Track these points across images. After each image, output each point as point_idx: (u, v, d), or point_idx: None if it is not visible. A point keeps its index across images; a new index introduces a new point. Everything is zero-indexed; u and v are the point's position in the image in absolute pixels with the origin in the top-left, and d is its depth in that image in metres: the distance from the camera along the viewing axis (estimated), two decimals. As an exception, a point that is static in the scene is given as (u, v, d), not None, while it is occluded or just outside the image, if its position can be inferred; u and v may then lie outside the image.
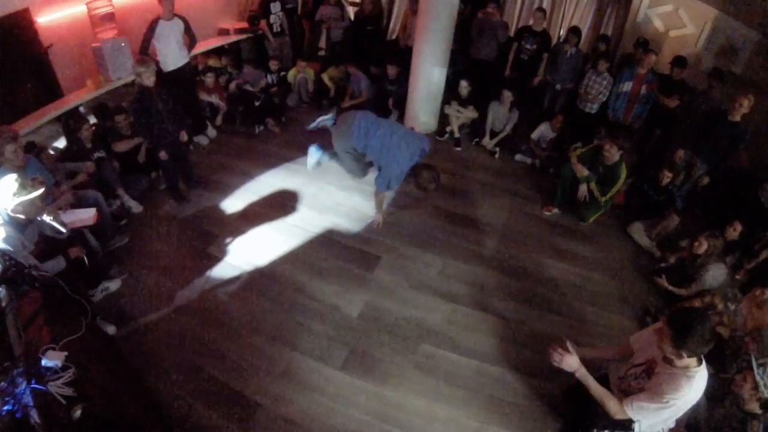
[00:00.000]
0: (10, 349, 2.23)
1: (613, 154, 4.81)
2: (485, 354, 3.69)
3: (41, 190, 2.97)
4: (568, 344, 2.69)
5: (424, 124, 6.76)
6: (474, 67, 7.01)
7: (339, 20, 7.81)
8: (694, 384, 2.33)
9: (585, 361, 2.67)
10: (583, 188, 5.00)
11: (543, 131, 6.21)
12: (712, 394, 3.03)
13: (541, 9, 6.97)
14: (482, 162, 6.33)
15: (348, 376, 3.43)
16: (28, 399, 2.01)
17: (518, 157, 6.37)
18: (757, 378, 3.01)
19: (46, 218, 3.08)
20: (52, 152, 4.70)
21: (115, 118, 5.03)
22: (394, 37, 8.57)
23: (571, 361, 2.63)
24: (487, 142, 6.48)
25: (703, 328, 2.23)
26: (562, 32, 7.84)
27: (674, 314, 2.35)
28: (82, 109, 5.49)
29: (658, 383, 2.42)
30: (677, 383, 2.34)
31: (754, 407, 2.98)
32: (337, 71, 7.33)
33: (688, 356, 2.30)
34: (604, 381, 2.72)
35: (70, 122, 5.01)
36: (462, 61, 7.19)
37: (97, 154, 4.75)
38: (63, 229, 3.15)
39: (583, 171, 4.99)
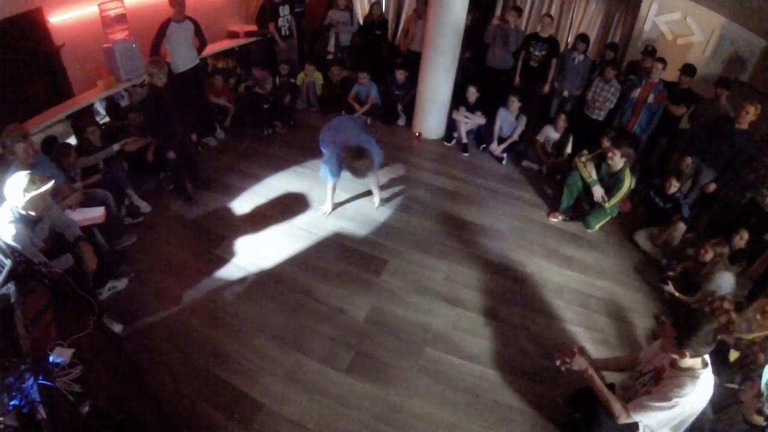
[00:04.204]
0: (18, 345, 2.24)
1: (616, 161, 4.82)
2: (490, 359, 3.68)
3: (50, 184, 2.98)
4: (576, 348, 2.71)
5: (432, 130, 6.78)
6: (488, 75, 7.02)
7: (348, 24, 7.85)
8: (698, 385, 2.33)
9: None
10: (596, 189, 4.99)
11: (547, 133, 6.21)
12: (717, 404, 3.01)
13: (548, 15, 6.98)
14: (489, 168, 6.33)
15: (352, 379, 3.42)
16: (35, 394, 2.02)
17: (525, 163, 6.38)
18: (763, 388, 2.99)
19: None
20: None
21: (129, 115, 5.06)
22: (396, 43, 8.61)
23: (580, 361, 2.65)
24: (495, 147, 6.49)
25: (707, 328, 2.25)
26: (570, 39, 7.86)
27: (679, 314, 2.37)
28: (99, 109, 5.55)
29: (664, 385, 2.42)
30: (682, 382, 2.35)
31: (757, 419, 2.96)
32: (341, 73, 7.36)
33: (691, 356, 2.30)
34: (611, 390, 2.71)
35: (79, 122, 5.05)
36: (472, 67, 7.21)
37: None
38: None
39: (591, 173, 4.98)
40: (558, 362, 2.75)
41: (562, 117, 6.07)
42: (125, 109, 5.24)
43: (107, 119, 5.69)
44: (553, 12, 7.85)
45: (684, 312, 2.42)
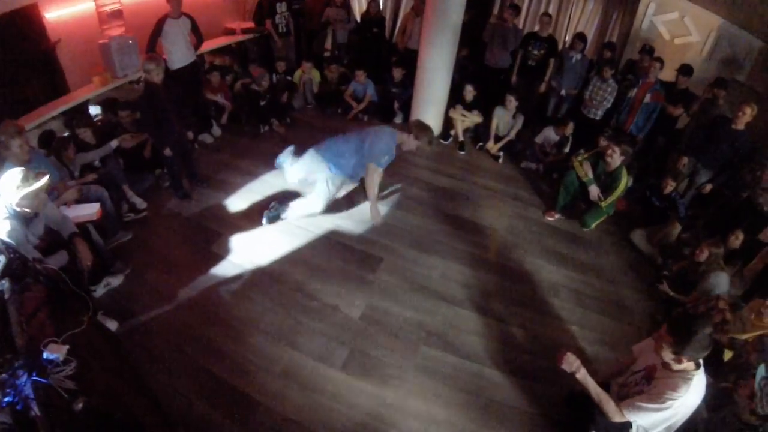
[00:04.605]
0: (12, 342, 2.23)
1: (615, 159, 4.83)
2: (485, 357, 3.68)
3: (44, 180, 2.97)
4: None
5: (428, 128, 6.77)
6: (486, 73, 7.02)
7: (345, 22, 7.84)
8: (691, 386, 2.34)
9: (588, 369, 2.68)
10: (593, 188, 5.00)
11: (547, 135, 6.22)
12: (710, 403, 3.02)
13: (547, 14, 6.99)
14: (486, 166, 6.34)
15: (348, 376, 3.42)
16: (28, 391, 2.01)
17: (524, 164, 6.36)
18: (756, 388, 3.00)
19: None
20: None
21: (119, 113, 5.05)
22: (394, 40, 8.60)
23: (571, 360, 2.64)
24: (491, 146, 6.49)
25: (703, 334, 2.26)
26: (568, 38, 7.87)
27: (674, 320, 2.36)
28: (92, 109, 5.53)
29: (657, 386, 2.43)
30: (675, 384, 2.36)
31: (751, 418, 2.97)
32: (338, 70, 7.36)
33: (688, 361, 2.31)
34: (605, 389, 2.71)
35: (72, 121, 5.02)
36: (469, 65, 7.20)
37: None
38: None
39: (587, 172, 4.99)
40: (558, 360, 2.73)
41: (570, 125, 6.09)
42: (121, 105, 5.21)
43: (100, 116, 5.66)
44: (551, 10, 7.86)
45: (679, 317, 2.41)
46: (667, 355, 2.35)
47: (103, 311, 3.54)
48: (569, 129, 6.07)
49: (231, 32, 7.54)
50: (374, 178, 4.54)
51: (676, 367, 2.39)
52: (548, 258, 4.81)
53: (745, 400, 2.98)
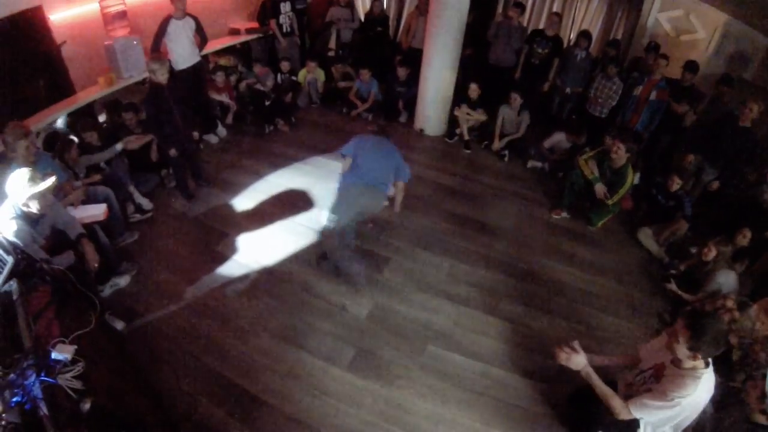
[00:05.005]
0: (20, 342, 2.24)
1: (620, 156, 4.80)
2: (491, 357, 3.67)
3: (51, 181, 2.98)
4: (575, 344, 2.70)
5: (433, 127, 6.77)
6: (490, 71, 7.00)
7: (349, 21, 7.84)
8: (700, 385, 2.33)
9: (593, 367, 2.66)
10: (599, 187, 4.97)
11: (558, 140, 6.18)
12: (719, 402, 3.00)
13: (557, 14, 6.97)
14: (491, 165, 6.32)
15: (354, 376, 3.42)
16: (37, 391, 2.02)
17: (530, 164, 6.32)
18: (767, 389, 2.97)
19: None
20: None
21: (123, 115, 5.06)
22: (398, 39, 8.58)
23: (577, 359, 2.63)
24: (497, 145, 6.47)
25: (719, 332, 2.25)
26: (573, 36, 7.84)
27: (692, 316, 2.34)
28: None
29: (665, 384, 2.42)
30: (683, 382, 2.35)
31: (760, 418, 2.95)
32: (343, 69, 7.36)
33: (703, 358, 2.30)
34: (612, 387, 2.70)
35: (77, 125, 5.04)
36: (474, 64, 7.19)
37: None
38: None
39: (593, 171, 4.97)
40: (562, 358, 2.72)
41: (584, 136, 6.08)
42: (125, 107, 5.22)
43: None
44: (555, 8, 7.83)
45: (697, 312, 2.39)
46: (682, 351, 2.34)
47: (110, 311, 3.55)
48: (582, 138, 6.03)
49: (235, 32, 7.54)
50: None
51: (686, 365, 2.38)
52: (554, 256, 4.79)
53: (755, 401, 2.96)
